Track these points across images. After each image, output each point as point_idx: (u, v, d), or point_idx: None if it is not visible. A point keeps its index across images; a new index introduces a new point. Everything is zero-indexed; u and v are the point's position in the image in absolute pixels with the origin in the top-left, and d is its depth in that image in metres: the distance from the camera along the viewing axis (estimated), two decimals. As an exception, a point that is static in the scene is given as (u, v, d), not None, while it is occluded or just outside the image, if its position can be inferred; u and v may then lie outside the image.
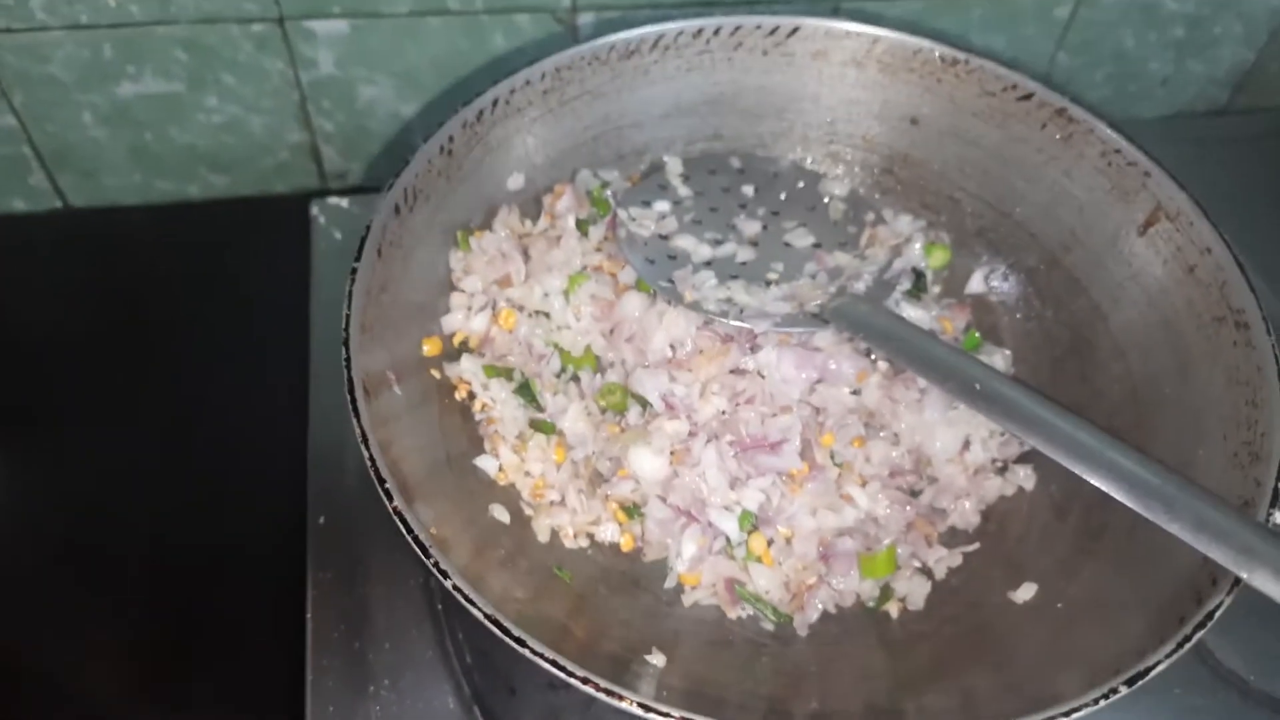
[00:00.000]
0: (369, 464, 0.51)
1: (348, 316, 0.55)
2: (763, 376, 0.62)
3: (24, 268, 0.86)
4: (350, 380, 0.53)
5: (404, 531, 0.48)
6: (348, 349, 0.54)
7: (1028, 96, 0.67)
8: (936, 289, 0.71)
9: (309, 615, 0.62)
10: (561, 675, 0.45)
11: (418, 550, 0.48)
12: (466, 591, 0.46)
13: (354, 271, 0.57)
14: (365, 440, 0.51)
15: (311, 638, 0.62)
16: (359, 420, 0.52)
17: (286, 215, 0.85)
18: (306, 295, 0.78)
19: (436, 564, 0.47)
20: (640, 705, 0.43)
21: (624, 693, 0.44)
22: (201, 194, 0.90)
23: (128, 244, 0.88)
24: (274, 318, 0.79)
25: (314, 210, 0.83)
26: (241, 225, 0.88)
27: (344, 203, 0.83)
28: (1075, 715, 0.44)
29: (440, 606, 0.63)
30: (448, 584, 0.46)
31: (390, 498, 0.49)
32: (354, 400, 0.52)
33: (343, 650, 0.61)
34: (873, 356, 0.64)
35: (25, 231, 0.88)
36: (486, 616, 0.46)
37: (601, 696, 0.45)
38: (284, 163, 0.89)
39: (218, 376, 0.78)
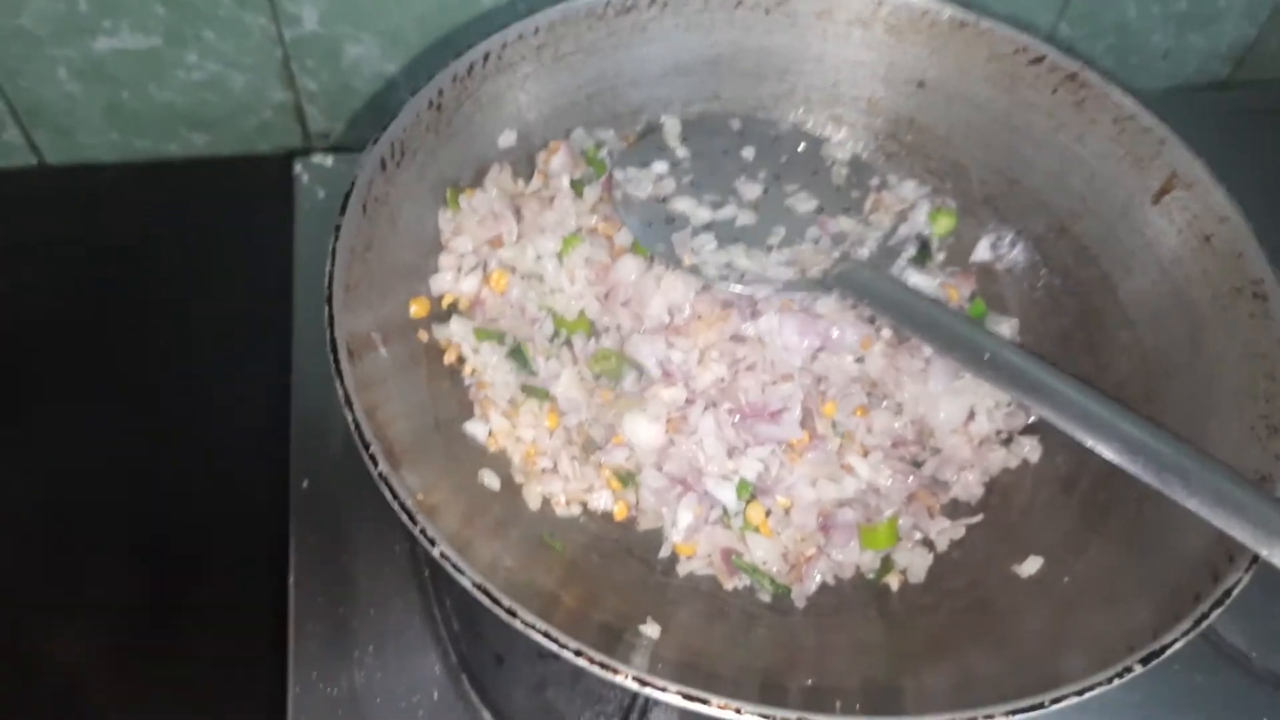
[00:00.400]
0: (353, 428, 0.48)
1: (331, 275, 0.52)
2: (763, 343, 0.59)
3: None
4: (333, 341, 0.50)
5: (390, 498, 0.46)
6: (331, 309, 0.51)
7: (1039, 60, 0.64)
8: (942, 256, 0.68)
9: (292, 580, 0.60)
10: (553, 647, 0.42)
11: (404, 517, 0.45)
12: (454, 559, 0.43)
13: (338, 229, 0.54)
14: (349, 403, 0.48)
15: (294, 603, 0.59)
16: (342, 383, 0.49)
17: (269, 174, 0.82)
18: (290, 255, 0.74)
19: (423, 531, 0.44)
20: (636, 679, 0.41)
21: (618, 665, 0.42)
22: (182, 153, 0.86)
23: (106, 202, 0.84)
24: (256, 278, 0.75)
25: (297, 168, 0.79)
26: (223, 185, 0.85)
27: (328, 161, 0.80)
28: (1088, 694, 0.42)
29: (427, 573, 0.60)
30: (435, 552, 0.44)
31: (375, 463, 0.46)
32: (337, 362, 0.49)
33: (326, 616, 0.59)
34: (877, 324, 0.61)
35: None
36: (475, 585, 0.43)
37: (594, 669, 0.42)
38: (267, 121, 0.85)
39: (198, 338, 0.75)
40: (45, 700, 0.61)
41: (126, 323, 0.76)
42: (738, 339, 0.60)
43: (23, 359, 0.74)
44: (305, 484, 0.63)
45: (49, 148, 0.85)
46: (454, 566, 0.43)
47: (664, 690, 0.41)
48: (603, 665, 0.41)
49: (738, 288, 0.60)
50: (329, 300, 0.51)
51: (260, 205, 0.80)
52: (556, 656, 0.53)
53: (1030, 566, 0.55)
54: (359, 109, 0.85)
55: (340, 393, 0.49)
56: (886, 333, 0.61)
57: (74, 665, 0.62)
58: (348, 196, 0.55)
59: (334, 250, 0.53)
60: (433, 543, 0.44)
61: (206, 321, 0.75)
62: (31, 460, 0.70)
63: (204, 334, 0.75)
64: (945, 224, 0.68)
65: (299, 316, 0.71)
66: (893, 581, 0.57)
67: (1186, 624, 0.44)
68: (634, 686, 0.41)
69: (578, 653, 0.41)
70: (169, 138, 0.85)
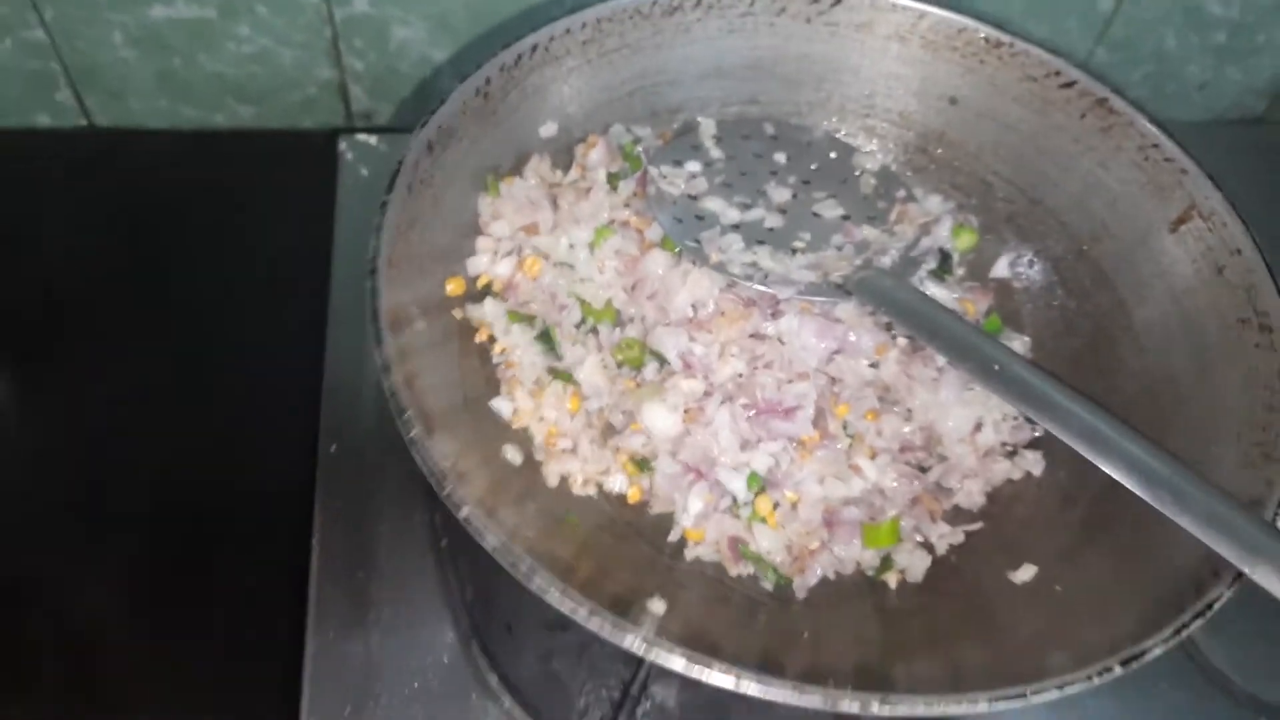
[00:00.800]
0: (389, 395, 0.51)
1: (377, 249, 0.56)
2: (782, 343, 0.63)
3: (46, 183, 0.87)
4: (375, 311, 0.54)
5: (421, 463, 0.49)
6: (375, 281, 0.55)
7: (1070, 84, 0.67)
8: (961, 271, 0.71)
9: (315, 540, 0.64)
10: (568, 607, 0.46)
11: (433, 481, 0.49)
12: (478, 523, 0.47)
13: (385, 204, 0.57)
14: (388, 371, 0.52)
15: (316, 564, 0.63)
16: (383, 351, 0.53)
17: (311, 150, 0.86)
18: (328, 230, 0.79)
19: (450, 495, 0.48)
20: (645, 641, 0.44)
21: (629, 627, 0.46)
22: (227, 123, 0.91)
23: (151, 167, 0.89)
24: (294, 249, 0.80)
25: (342, 146, 0.83)
26: (265, 157, 0.89)
27: (373, 140, 0.84)
28: (1069, 689, 0.46)
29: (444, 542, 0.64)
30: (461, 514, 0.47)
31: (410, 428, 0.50)
32: (379, 332, 0.53)
33: (346, 578, 0.63)
34: (893, 332, 0.65)
35: (49, 147, 0.89)
36: (497, 547, 0.47)
37: (606, 630, 0.46)
38: (312, 98, 0.89)
39: (235, 304, 0.79)
40: (63, 646, 0.65)
41: (165, 283, 0.80)
42: (758, 337, 0.63)
43: (61, 314, 0.78)
44: (333, 448, 0.67)
45: (99, 110, 0.89)
46: (478, 530, 0.47)
47: (670, 652, 0.45)
48: (615, 625, 0.45)
49: (761, 287, 0.63)
50: (373, 273, 0.55)
51: (301, 179, 0.84)
52: (564, 627, 0.57)
53: (1025, 574, 0.58)
54: (402, 92, 0.89)
55: (380, 361, 0.52)
56: (902, 341, 0.65)
57: (94, 614, 0.66)
58: (395, 175, 0.59)
59: (380, 225, 0.56)
60: (459, 506, 0.48)
61: (243, 287, 0.80)
62: (60, 411, 0.74)
63: (241, 299, 0.79)
64: (967, 240, 0.71)
65: (336, 289, 0.75)
66: (891, 580, 0.61)
67: (1168, 631, 0.47)
68: (641, 649, 0.45)
69: (592, 613, 0.45)
70: (216, 108, 0.89)
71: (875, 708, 0.44)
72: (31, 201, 0.84)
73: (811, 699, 0.44)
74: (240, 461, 0.71)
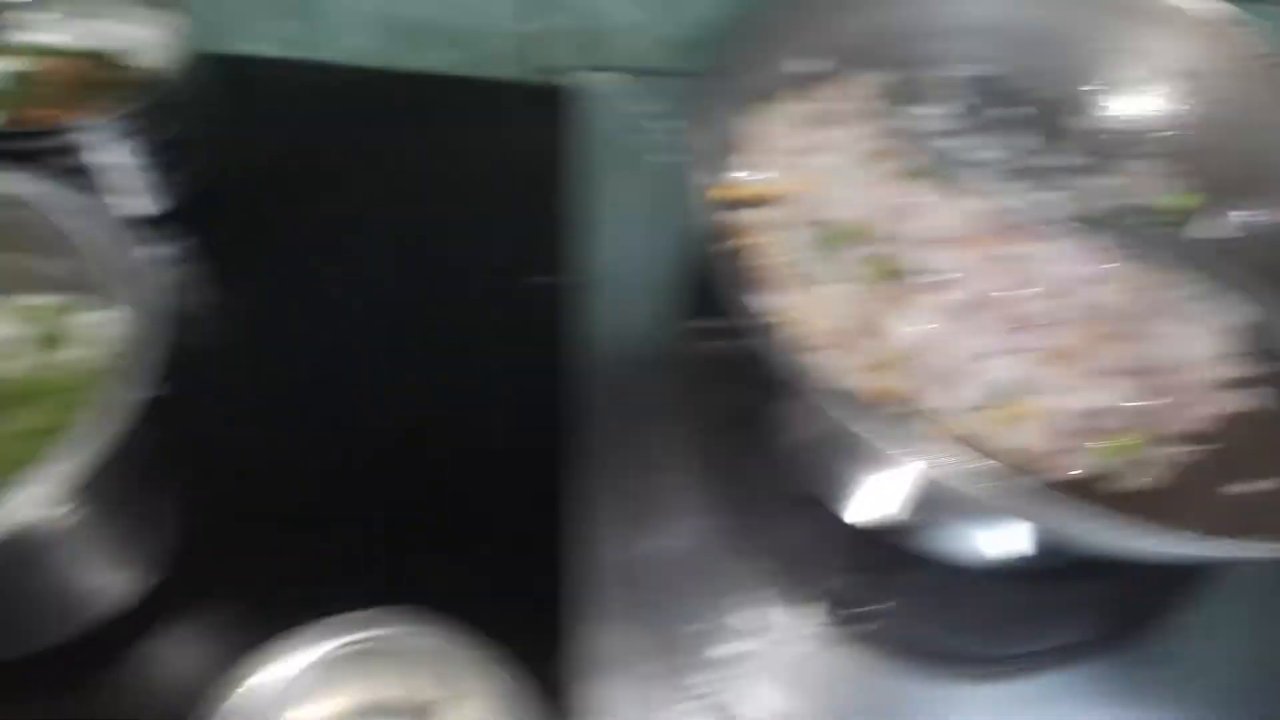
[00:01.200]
0: (717, 261, 0.63)
1: (688, 146, 0.67)
2: (1030, 265, 0.72)
3: (264, 109, 0.99)
4: (697, 193, 0.66)
5: (753, 309, 0.61)
6: (694, 170, 0.66)
7: (1280, 64, 0.77)
8: (1183, 229, 0.80)
9: (569, 436, 0.75)
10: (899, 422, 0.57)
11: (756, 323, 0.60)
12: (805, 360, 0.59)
13: (688, 122, 0.69)
14: (716, 240, 0.63)
15: (575, 469, 0.74)
16: (712, 222, 0.65)
17: (516, 96, 1.00)
18: (552, 163, 0.91)
19: (771, 332, 0.59)
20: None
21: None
22: (432, 66, 1.02)
23: (367, 102, 1.01)
24: (508, 183, 0.92)
25: (578, 86, 0.97)
26: (471, 100, 1.01)
27: (606, 82, 0.98)
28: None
29: (698, 430, 0.76)
30: (788, 355, 0.58)
31: (742, 282, 0.61)
32: (704, 208, 0.65)
33: (603, 463, 0.74)
34: (1133, 264, 0.74)
35: (267, 75, 1.01)
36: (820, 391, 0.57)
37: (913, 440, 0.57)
38: (513, 49, 1.01)
39: (467, 225, 0.91)
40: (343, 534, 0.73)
41: (378, 220, 0.92)
42: (1006, 258, 0.72)
43: (274, 240, 0.90)
44: (588, 350, 0.79)
45: (320, 45, 1.02)
46: (803, 365, 0.58)
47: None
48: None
49: (1009, 215, 0.73)
50: (691, 165, 0.67)
51: (512, 122, 0.98)
52: (810, 505, 0.67)
53: (1243, 488, 0.66)
54: (600, 50, 1.00)
55: (709, 231, 0.64)
56: (1144, 272, 0.74)
57: (332, 544, 0.73)
58: (686, 103, 0.70)
59: (685, 130, 0.68)
60: (787, 349, 0.58)
61: (475, 207, 0.92)
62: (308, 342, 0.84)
63: (470, 222, 0.91)
64: (1189, 201, 0.80)
65: (600, 233, 0.87)
66: (1111, 486, 0.68)
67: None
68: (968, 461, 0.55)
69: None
70: (424, 51, 1.01)
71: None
72: (249, 126, 0.95)
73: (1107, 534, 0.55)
74: (491, 380, 0.82)
